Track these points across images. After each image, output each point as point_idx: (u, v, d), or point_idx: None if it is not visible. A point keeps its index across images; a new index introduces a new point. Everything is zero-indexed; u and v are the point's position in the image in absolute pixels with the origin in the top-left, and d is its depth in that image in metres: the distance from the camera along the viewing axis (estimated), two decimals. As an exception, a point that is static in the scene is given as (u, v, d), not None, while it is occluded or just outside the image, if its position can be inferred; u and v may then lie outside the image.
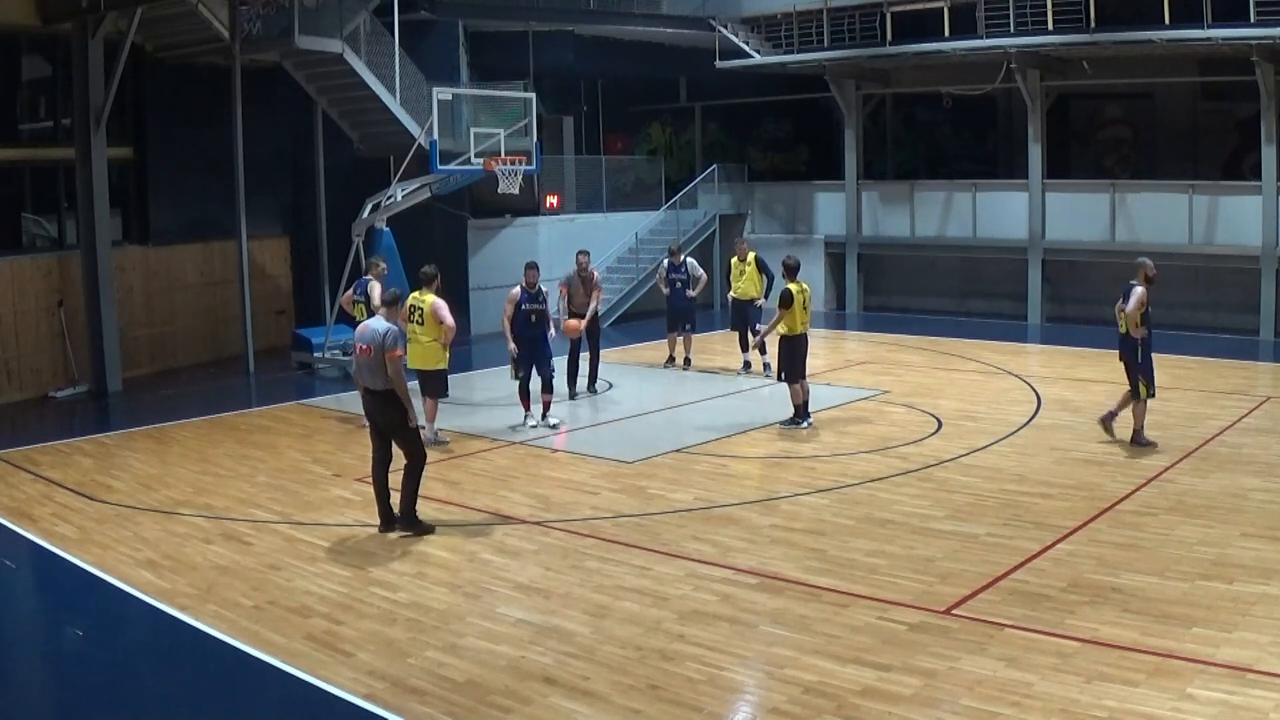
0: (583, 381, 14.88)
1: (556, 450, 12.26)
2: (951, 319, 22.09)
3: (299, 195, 20.33)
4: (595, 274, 14.91)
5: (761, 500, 10.06)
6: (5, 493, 10.72)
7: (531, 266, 12.91)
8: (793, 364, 12.64)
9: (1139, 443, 11.40)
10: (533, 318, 12.66)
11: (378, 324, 9.10)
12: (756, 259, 16.09)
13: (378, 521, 9.32)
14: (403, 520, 9.16)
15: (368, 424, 9.52)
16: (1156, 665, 6.32)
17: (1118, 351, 11.68)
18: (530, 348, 12.69)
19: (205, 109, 17.95)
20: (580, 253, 14.88)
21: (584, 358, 14.85)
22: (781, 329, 12.66)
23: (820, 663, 6.56)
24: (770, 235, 24.35)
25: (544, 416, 12.95)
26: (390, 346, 8.92)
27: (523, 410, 12.92)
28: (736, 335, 16.46)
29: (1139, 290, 11.26)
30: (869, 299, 23.96)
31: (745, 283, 16.02)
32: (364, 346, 9.07)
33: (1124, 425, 11.63)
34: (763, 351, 15.64)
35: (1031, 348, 19.60)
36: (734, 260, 16.35)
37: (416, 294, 11.71)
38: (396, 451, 9.21)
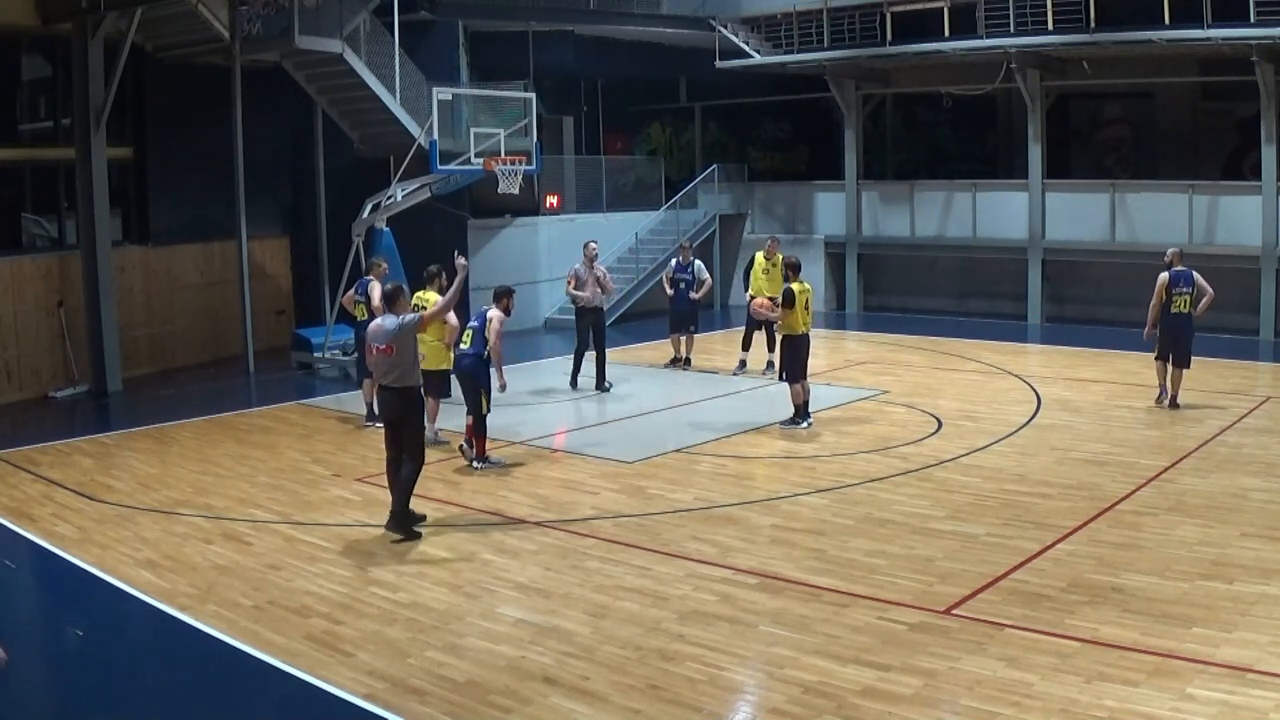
0: (586, 380, 15.13)
1: (557, 450, 12.25)
2: (951, 319, 22.08)
3: (299, 195, 20.32)
4: (601, 269, 15.32)
5: (761, 500, 10.06)
6: (5, 493, 10.72)
7: (509, 293, 11.59)
8: (794, 364, 12.65)
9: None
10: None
11: (389, 323, 9.13)
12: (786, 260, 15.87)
13: (380, 521, 9.32)
14: (393, 519, 9.07)
15: (382, 425, 9.55)
16: (1156, 665, 6.32)
17: (1173, 333, 13.07)
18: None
19: (205, 109, 17.94)
20: (590, 242, 15.53)
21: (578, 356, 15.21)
22: (783, 329, 12.68)
23: (820, 663, 6.56)
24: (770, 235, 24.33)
25: (485, 459, 11.35)
26: (412, 325, 9.13)
27: (476, 453, 11.32)
28: (741, 335, 16.39)
29: (1197, 275, 13.15)
30: (869, 299, 23.96)
31: (770, 282, 15.67)
32: (382, 347, 9.07)
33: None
34: (771, 349, 15.62)
35: (1031, 348, 19.60)
36: (760, 255, 16.21)
37: (420, 293, 11.74)
38: None
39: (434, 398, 12.03)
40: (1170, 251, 13.43)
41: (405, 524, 9.08)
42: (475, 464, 11.22)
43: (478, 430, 11.25)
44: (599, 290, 15.21)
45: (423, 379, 11.79)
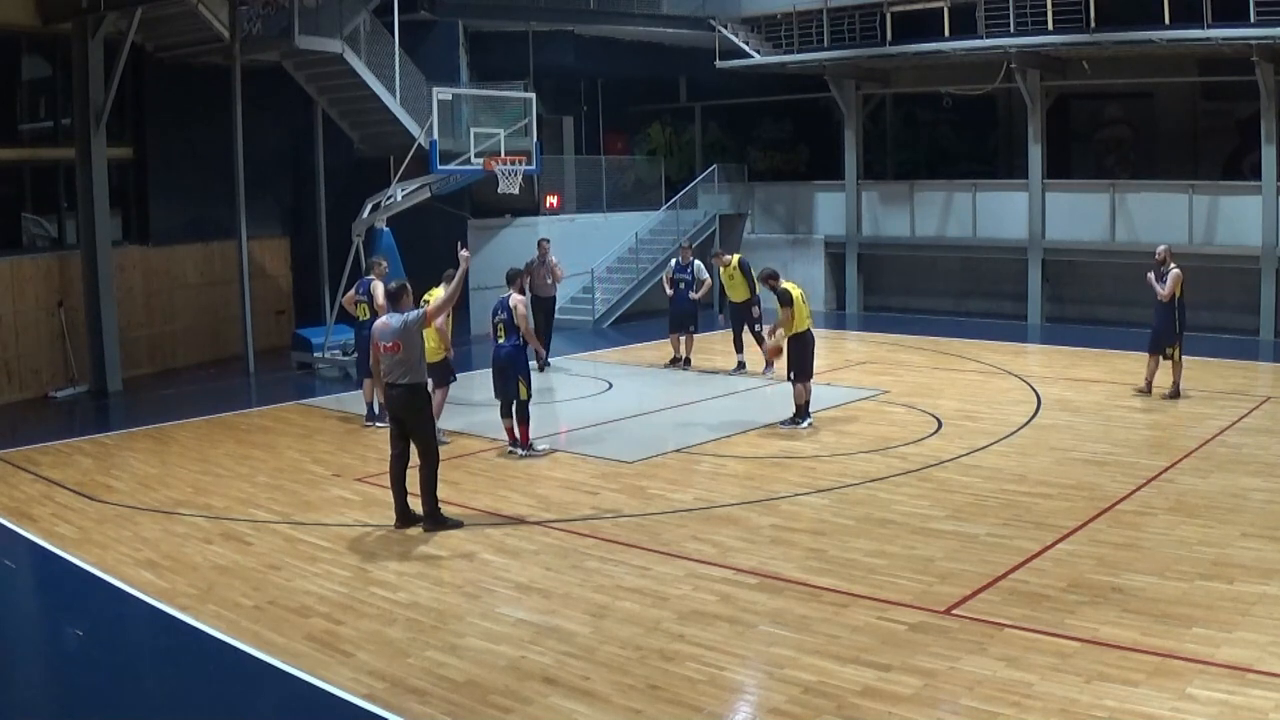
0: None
1: (556, 450, 12.25)
2: (951, 319, 22.08)
3: (299, 195, 20.33)
4: (553, 260, 17.21)
5: (761, 500, 10.06)
6: (5, 493, 10.72)
7: (520, 273, 12.16)
8: (802, 361, 12.64)
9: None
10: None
11: (394, 320, 9.28)
12: (739, 262, 16.14)
13: (380, 521, 9.39)
14: (428, 520, 9.25)
15: (383, 425, 9.60)
16: (1156, 665, 6.32)
17: (1183, 327, 13.80)
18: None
19: (205, 109, 17.95)
20: (543, 240, 17.58)
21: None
22: (787, 329, 12.68)
23: (820, 663, 6.56)
24: (770, 235, 24.35)
25: (531, 447, 11.73)
26: (417, 321, 9.26)
27: (521, 441, 11.74)
28: (732, 336, 16.55)
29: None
30: (869, 299, 23.95)
31: (735, 287, 16.12)
32: (389, 345, 9.20)
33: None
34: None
35: (1031, 348, 19.60)
36: (721, 270, 16.52)
37: (429, 293, 11.99)
38: (413, 449, 9.30)
39: (440, 385, 12.09)
40: (1164, 249, 13.84)
41: (442, 522, 9.26)
42: (520, 451, 11.61)
43: (521, 416, 11.63)
44: (551, 280, 17.00)
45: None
